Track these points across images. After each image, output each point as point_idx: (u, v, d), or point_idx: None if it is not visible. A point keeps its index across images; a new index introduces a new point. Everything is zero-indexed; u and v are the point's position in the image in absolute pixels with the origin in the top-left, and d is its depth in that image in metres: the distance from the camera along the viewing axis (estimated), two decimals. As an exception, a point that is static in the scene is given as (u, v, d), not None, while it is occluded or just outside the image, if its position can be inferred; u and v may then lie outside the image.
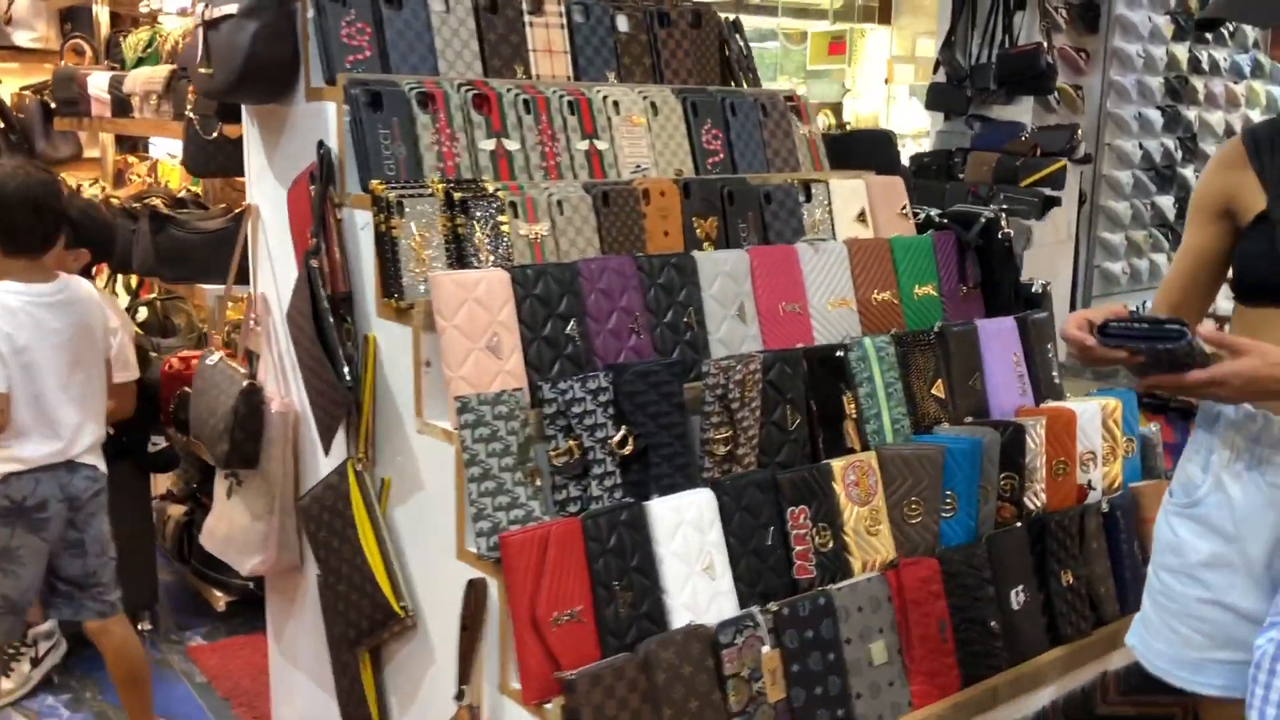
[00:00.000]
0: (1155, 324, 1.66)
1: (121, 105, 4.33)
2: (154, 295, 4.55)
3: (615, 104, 2.45)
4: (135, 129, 4.43)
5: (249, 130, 2.52)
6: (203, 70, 2.34)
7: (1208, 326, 1.78)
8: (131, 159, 5.41)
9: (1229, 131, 5.82)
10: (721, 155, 2.62)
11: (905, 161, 5.98)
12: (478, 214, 2.11)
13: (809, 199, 2.63)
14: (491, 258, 2.11)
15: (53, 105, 5.02)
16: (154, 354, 3.82)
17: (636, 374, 2.04)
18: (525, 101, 2.31)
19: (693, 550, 1.99)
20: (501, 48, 2.41)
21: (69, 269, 3.44)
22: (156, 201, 3.76)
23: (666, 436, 2.06)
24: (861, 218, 2.71)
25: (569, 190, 2.24)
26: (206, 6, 2.31)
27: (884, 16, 10.77)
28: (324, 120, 2.22)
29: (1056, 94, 4.95)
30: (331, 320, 2.12)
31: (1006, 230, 2.76)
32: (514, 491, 1.89)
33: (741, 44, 2.84)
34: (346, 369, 2.11)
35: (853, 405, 2.37)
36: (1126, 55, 5.26)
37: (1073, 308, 5.43)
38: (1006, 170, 4.83)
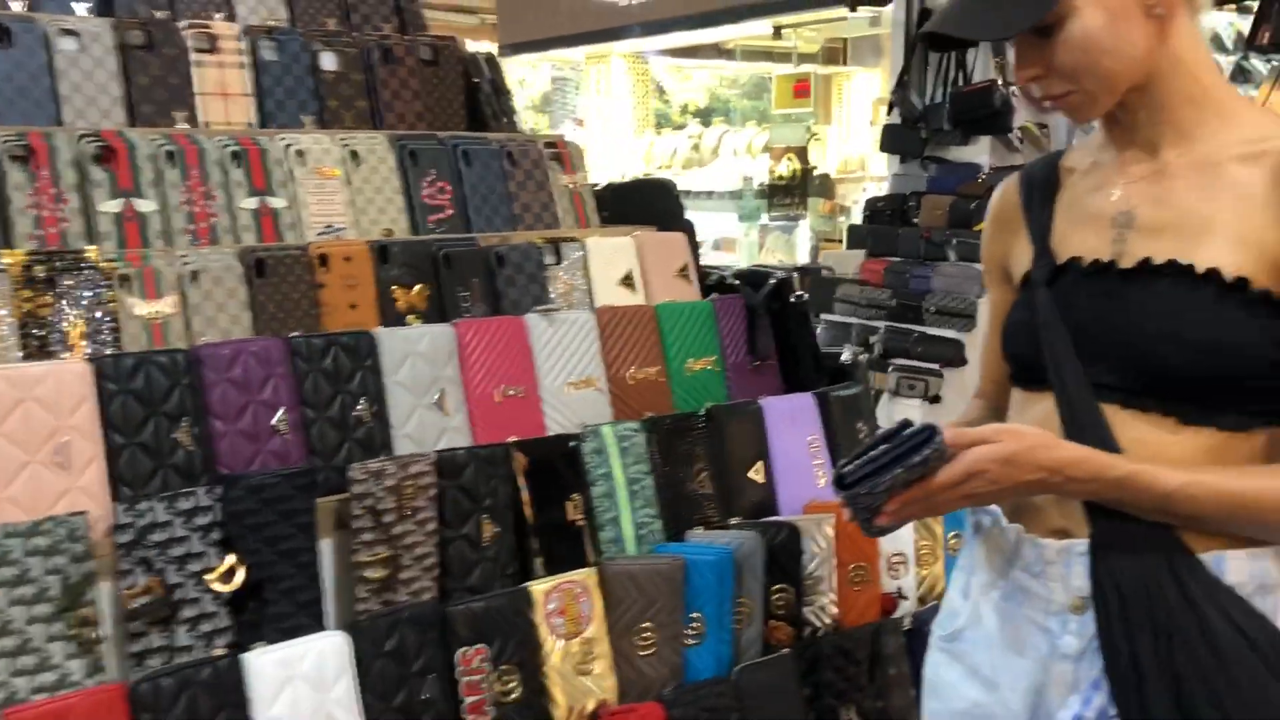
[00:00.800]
0: (893, 438, 1.23)
1: None
2: None
3: (300, 154, 2.06)
4: None
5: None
6: None
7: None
8: None
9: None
10: (450, 211, 2.23)
11: (860, 205, 5.70)
12: (71, 291, 1.72)
13: (559, 261, 2.24)
14: (88, 345, 1.72)
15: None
16: None
17: (247, 488, 1.63)
18: (169, 153, 1.92)
19: (304, 713, 1.57)
20: (155, 92, 2.03)
21: None
22: None
23: (288, 566, 1.65)
24: (628, 281, 2.31)
25: (210, 259, 1.85)
26: None
27: (849, 58, 10.45)
28: (-95, 182, 1.84)
29: (1019, 132, 4.62)
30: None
31: (799, 292, 2.37)
32: (45, 650, 1.47)
33: (496, 83, 2.46)
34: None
35: (579, 510, 1.97)
36: (1093, 89, 4.94)
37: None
38: (961, 214, 4.59)
